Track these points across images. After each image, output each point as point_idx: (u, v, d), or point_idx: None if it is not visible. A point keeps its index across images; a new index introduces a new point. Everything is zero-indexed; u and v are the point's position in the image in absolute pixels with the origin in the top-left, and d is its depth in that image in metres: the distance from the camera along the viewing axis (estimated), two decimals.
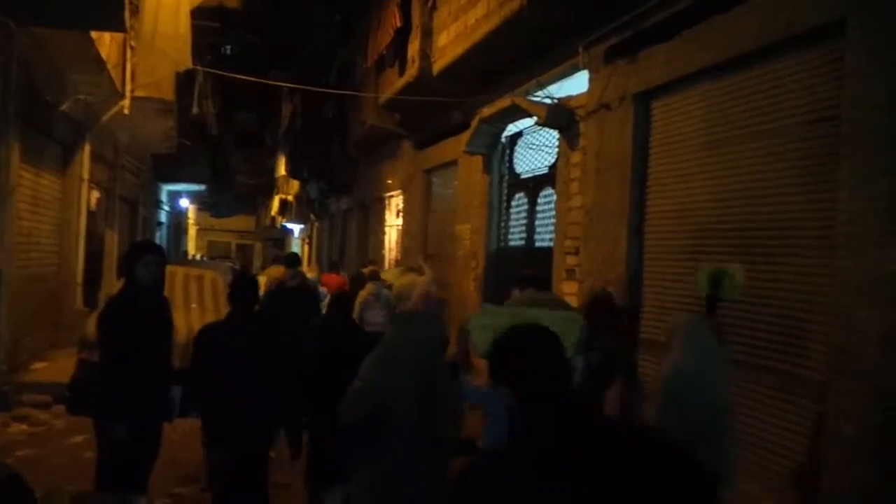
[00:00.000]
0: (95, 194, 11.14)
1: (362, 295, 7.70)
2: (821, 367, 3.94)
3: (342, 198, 19.40)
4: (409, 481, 2.67)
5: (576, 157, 6.79)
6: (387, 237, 14.75)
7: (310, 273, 11.30)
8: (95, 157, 10.36)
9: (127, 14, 6.83)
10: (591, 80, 6.49)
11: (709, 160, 5.08)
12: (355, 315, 6.97)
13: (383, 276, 8.99)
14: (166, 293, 3.88)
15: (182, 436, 5.42)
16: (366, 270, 9.35)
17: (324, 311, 6.40)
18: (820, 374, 3.94)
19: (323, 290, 9.15)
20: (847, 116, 3.79)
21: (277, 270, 9.02)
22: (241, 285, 3.76)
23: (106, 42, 7.95)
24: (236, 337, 3.49)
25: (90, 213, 10.49)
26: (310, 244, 26.93)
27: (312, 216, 24.62)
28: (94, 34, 7.22)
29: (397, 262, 12.63)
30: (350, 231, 18.65)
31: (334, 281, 9.93)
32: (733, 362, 3.77)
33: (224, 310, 7.81)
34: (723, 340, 3.59)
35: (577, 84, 6.84)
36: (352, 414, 2.80)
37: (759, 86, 4.62)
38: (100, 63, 7.90)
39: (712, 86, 5.07)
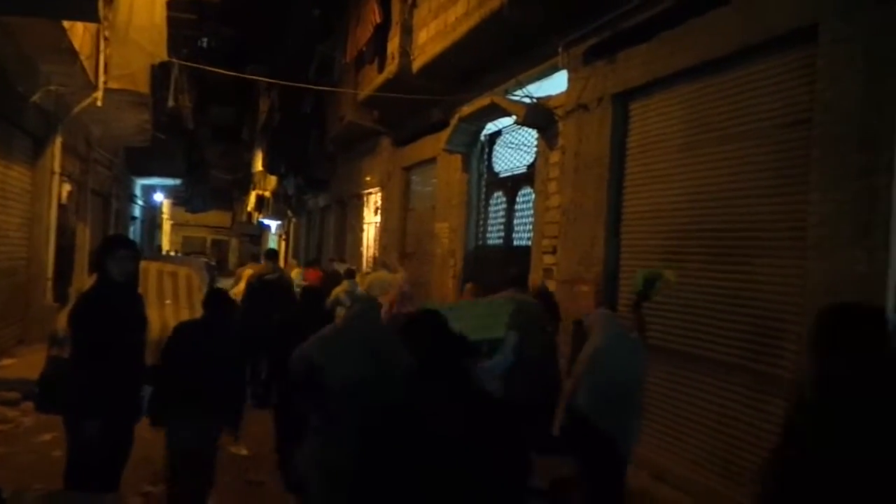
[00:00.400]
0: (67, 187, 10.92)
1: (336, 292, 7.98)
2: (794, 366, 4.01)
3: (320, 194, 19.28)
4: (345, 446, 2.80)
5: (554, 157, 6.82)
6: (365, 234, 14.69)
7: (295, 269, 11.61)
8: (67, 149, 10.15)
9: (101, 4, 6.69)
10: (570, 80, 6.52)
11: (685, 162, 5.14)
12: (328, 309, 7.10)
13: (359, 277, 9.29)
14: (140, 289, 3.81)
15: (154, 433, 5.34)
16: (341, 269, 9.82)
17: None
18: (793, 372, 4.01)
19: (305, 283, 9.31)
20: (818, 120, 3.87)
21: (255, 267, 9.48)
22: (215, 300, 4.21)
23: (79, 32, 7.78)
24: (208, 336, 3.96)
25: (61, 207, 10.28)
26: (286, 240, 26.71)
27: (289, 212, 24.42)
28: (66, 24, 7.06)
29: (375, 260, 12.61)
30: (328, 228, 18.54)
31: (313, 276, 10.50)
32: (650, 348, 4.34)
33: (199, 306, 7.78)
34: (643, 331, 4.18)
35: (556, 84, 6.87)
36: (294, 368, 3.35)
37: (734, 88, 4.69)
38: (72, 54, 7.74)
39: (689, 88, 5.13)
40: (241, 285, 8.57)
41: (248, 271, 9.32)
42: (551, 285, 6.59)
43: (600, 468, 3.77)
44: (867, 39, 3.60)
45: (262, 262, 9.52)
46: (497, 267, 6.99)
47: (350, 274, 8.86)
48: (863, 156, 3.56)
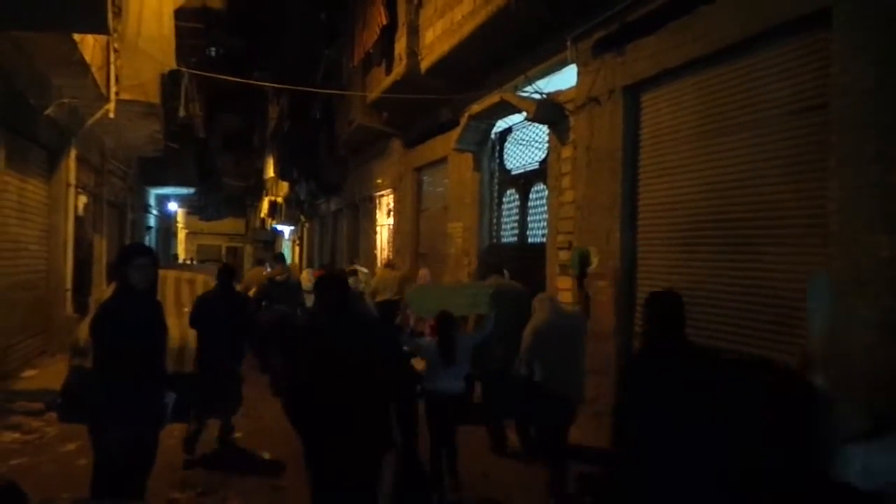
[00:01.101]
0: (82, 199, 11.03)
1: None
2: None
3: (332, 198, 19.34)
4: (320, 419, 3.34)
5: (566, 152, 6.79)
6: (378, 236, 14.71)
7: (304, 272, 12.84)
8: (81, 161, 10.25)
9: (110, 16, 6.74)
10: (579, 75, 6.49)
11: (699, 152, 5.10)
12: None
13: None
14: (157, 297, 3.83)
15: (177, 441, 5.38)
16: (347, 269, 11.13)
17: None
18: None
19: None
20: (835, 105, 3.82)
21: (258, 271, 10.56)
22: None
23: (89, 45, 7.86)
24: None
25: (78, 219, 10.38)
26: (300, 245, 26.83)
27: (302, 217, 24.52)
28: (76, 37, 7.13)
29: (388, 262, 12.72)
30: (341, 231, 18.59)
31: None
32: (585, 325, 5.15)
33: None
34: (586, 308, 5.34)
35: (565, 79, 6.84)
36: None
37: (746, 76, 4.64)
38: (83, 66, 7.81)
39: (700, 77, 5.08)
40: (252, 288, 9.49)
41: (252, 274, 10.63)
42: (567, 282, 6.56)
43: (550, 421, 4.75)
44: (882, 21, 3.54)
45: (266, 265, 10.77)
46: (512, 265, 6.97)
47: (352, 273, 10.38)
48: (881, 139, 3.51)
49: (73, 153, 9.66)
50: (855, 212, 3.66)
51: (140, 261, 3.45)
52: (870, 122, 3.58)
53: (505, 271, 6.43)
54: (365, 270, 11.80)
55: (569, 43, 6.44)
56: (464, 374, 4.85)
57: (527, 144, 8.12)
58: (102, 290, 10.26)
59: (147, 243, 18.71)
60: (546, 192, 7.37)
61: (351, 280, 9.12)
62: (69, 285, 9.62)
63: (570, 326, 4.93)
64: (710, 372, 2.89)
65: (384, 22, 10.51)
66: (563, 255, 6.74)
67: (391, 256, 12.78)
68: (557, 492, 4.61)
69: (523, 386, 4.77)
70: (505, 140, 8.70)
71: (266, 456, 5.70)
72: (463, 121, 8.57)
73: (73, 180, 9.68)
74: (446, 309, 4.95)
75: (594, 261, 5.79)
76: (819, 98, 4.00)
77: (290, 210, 25.47)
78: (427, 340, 5.14)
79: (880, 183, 3.51)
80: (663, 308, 2.98)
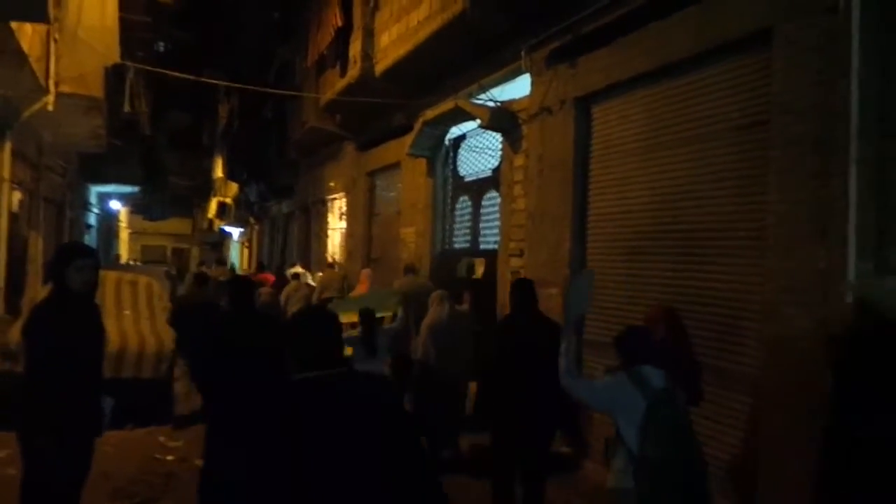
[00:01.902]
0: (17, 195, 10.52)
1: (287, 290, 10.46)
2: (755, 362, 4.10)
3: (283, 200, 19.03)
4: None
5: (519, 160, 6.86)
6: (330, 240, 14.54)
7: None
8: (17, 155, 9.78)
9: (50, 4, 6.47)
10: (533, 84, 6.57)
11: (647, 164, 5.22)
12: (282, 305, 10.04)
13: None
14: (97, 299, 3.68)
15: (116, 448, 5.17)
16: (290, 271, 12.33)
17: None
18: (754, 369, 4.10)
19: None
20: (775, 122, 3.97)
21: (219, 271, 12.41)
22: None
23: (27, 34, 7.50)
24: None
25: (12, 215, 9.90)
26: (250, 247, 26.28)
27: (252, 219, 24.05)
28: (13, 25, 6.81)
29: (329, 263, 13.04)
30: (292, 234, 18.31)
31: (266, 278, 12.65)
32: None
33: (160, 315, 7.59)
34: (473, 308, 6.45)
35: (519, 88, 6.91)
36: None
37: (693, 91, 4.79)
38: (21, 56, 7.45)
39: (649, 91, 5.22)
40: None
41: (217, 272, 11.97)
42: None
43: (443, 397, 5.80)
44: (820, 41, 3.70)
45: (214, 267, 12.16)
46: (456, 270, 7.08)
47: (296, 276, 11.45)
48: (819, 156, 3.66)
49: (7, 147, 9.21)
50: (792, 225, 3.80)
51: (80, 262, 3.30)
52: (807, 139, 3.74)
53: (420, 271, 7.98)
54: (303, 271, 12.77)
55: (523, 52, 6.51)
56: (383, 358, 5.86)
57: (480, 151, 8.17)
58: (37, 290, 9.81)
59: (87, 242, 18.01)
60: (499, 200, 7.43)
61: (296, 283, 10.80)
62: (1, 285, 9.16)
63: (460, 321, 5.96)
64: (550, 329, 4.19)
65: (339, 24, 10.43)
66: (515, 262, 6.80)
67: (333, 258, 13.50)
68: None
69: (421, 368, 5.84)
70: (458, 146, 8.73)
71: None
72: (417, 126, 8.57)
73: (7, 175, 9.23)
74: (365, 307, 6.07)
75: (478, 270, 7.45)
76: (761, 115, 4.16)
77: (239, 212, 24.95)
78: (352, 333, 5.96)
79: (816, 197, 3.66)
80: (523, 288, 4.47)
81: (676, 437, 2.86)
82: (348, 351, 5.61)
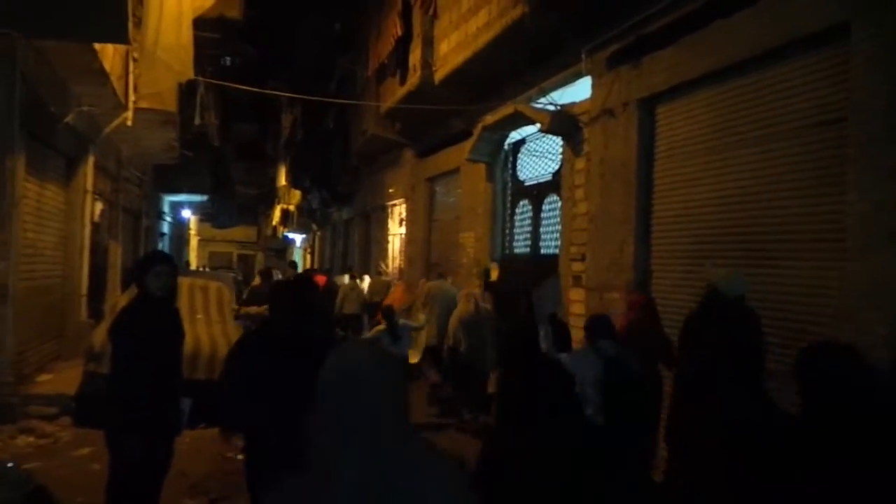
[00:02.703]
0: (99, 206, 11.14)
1: (343, 291, 11.99)
2: None
3: (344, 207, 19.41)
4: None
5: (580, 164, 6.79)
6: (390, 245, 14.74)
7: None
8: (99, 168, 10.37)
9: (130, 26, 6.84)
10: (593, 87, 6.50)
11: (714, 164, 5.09)
12: (338, 304, 11.66)
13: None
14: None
15: (190, 447, 5.40)
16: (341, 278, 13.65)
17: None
18: None
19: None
20: (854, 119, 3.80)
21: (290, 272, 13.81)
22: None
23: (109, 54, 7.97)
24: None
25: (94, 225, 10.48)
26: (312, 254, 26.91)
27: (314, 226, 24.62)
28: (97, 46, 7.24)
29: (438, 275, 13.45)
30: (352, 240, 18.65)
31: (318, 278, 13.67)
32: None
33: (230, 318, 7.90)
34: (493, 307, 7.44)
35: (579, 90, 6.85)
36: None
37: (762, 90, 4.64)
38: (103, 75, 7.92)
39: (716, 91, 5.08)
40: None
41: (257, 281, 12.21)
42: (580, 294, 6.56)
43: (472, 384, 7.11)
44: None
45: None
46: (524, 276, 7.04)
47: (352, 277, 12.81)
48: None
49: (90, 160, 9.77)
50: (872, 226, 3.63)
51: (159, 268, 3.48)
52: (887, 136, 3.56)
53: (448, 276, 9.21)
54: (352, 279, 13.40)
55: (583, 55, 6.46)
56: (406, 344, 7.44)
57: (540, 156, 8.13)
58: (117, 296, 10.34)
59: (161, 249, 18.87)
60: (559, 204, 7.38)
61: (347, 284, 12.28)
62: (84, 291, 9.70)
63: (484, 316, 7.27)
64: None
65: (399, 33, 10.59)
66: (577, 267, 6.73)
67: (383, 268, 14.32)
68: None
69: (451, 355, 7.26)
70: (518, 151, 8.72)
71: None
72: (476, 131, 8.60)
73: (90, 187, 9.79)
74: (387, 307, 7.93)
75: (493, 274, 8.28)
76: (837, 112, 3.99)
77: (301, 218, 25.58)
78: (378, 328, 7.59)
79: None
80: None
81: (625, 389, 3.81)
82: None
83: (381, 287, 12.06)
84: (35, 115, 7.38)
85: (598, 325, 4.30)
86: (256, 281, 12.11)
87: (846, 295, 3.78)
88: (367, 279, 13.06)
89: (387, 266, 14.34)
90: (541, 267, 7.65)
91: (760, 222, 4.61)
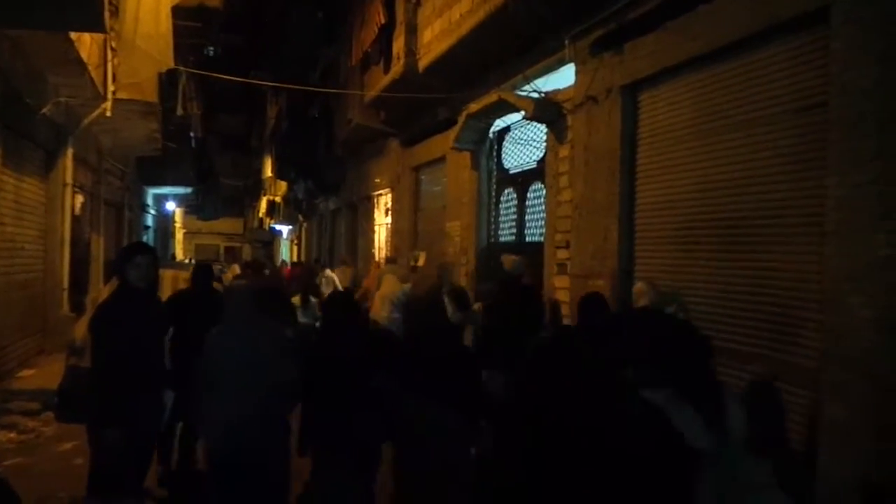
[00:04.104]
0: (79, 199, 11.00)
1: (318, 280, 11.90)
2: (813, 353, 3.95)
3: (330, 198, 19.31)
4: None
5: (564, 151, 6.78)
6: (376, 236, 14.69)
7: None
8: (78, 160, 10.22)
9: (107, 14, 6.72)
10: (577, 73, 6.48)
11: (697, 150, 5.09)
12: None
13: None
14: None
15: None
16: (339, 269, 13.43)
17: None
18: (813, 360, 3.95)
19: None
20: (835, 103, 3.81)
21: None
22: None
23: (86, 43, 7.84)
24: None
25: (75, 218, 10.36)
26: (299, 245, 26.79)
27: (300, 217, 24.48)
28: (73, 35, 7.11)
29: (388, 260, 13.06)
30: (339, 231, 18.57)
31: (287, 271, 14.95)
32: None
33: None
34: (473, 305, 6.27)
35: (563, 78, 6.83)
36: None
37: (744, 75, 4.64)
38: (80, 65, 7.79)
39: (699, 76, 5.08)
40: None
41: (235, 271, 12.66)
42: (565, 281, 6.57)
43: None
44: (881, 19, 3.54)
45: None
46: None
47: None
48: (881, 137, 3.50)
49: (69, 152, 9.63)
50: (853, 210, 3.65)
51: (139, 259, 3.44)
52: (869, 119, 3.58)
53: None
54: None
55: (567, 42, 6.43)
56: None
57: (525, 143, 8.11)
58: (99, 289, 10.24)
59: (142, 241, 18.64)
60: (544, 192, 7.37)
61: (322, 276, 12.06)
62: (66, 285, 9.59)
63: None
64: None
65: (382, 21, 10.49)
66: (561, 254, 6.73)
67: (345, 258, 14.60)
68: None
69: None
70: (503, 139, 8.69)
71: None
72: (461, 120, 8.56)
73: (69, 179, 9.66)
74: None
75: (420, 260, 9.26)
76: (819, 96, 4.00)
77: (288, 210, 25.44)
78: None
79: (878, 181, 3.50)
80: None
81: None
82: None
83: (346, 276, 12.49)
84: (11, 107, 7.25)
85: (590, 302, 4.32)
86: (235, 272, 12.12)
87: (829, 279, 3.80)
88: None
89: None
90: (525, 254, 7.66)
91: (744, 208, 4.62)
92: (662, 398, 2.20)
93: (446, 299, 5.55)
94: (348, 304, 3.76)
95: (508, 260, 6.15)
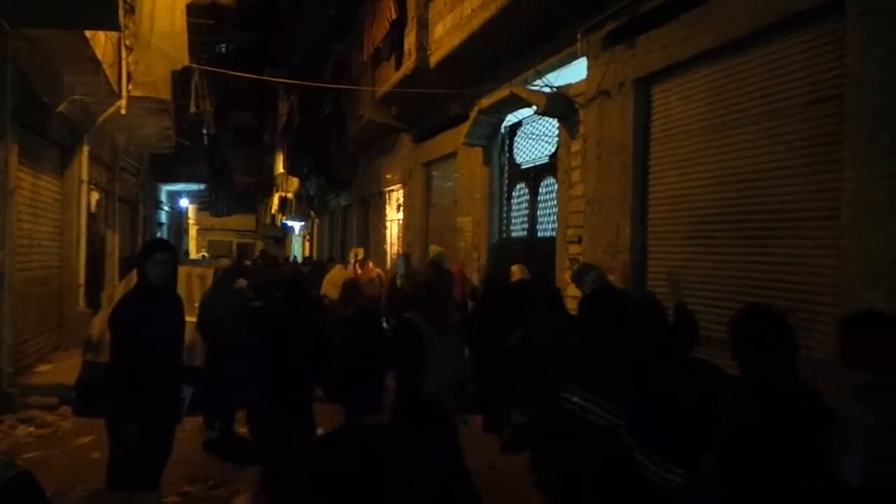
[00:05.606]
0: (95, 196, 11.10)
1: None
2: (829, 348, 3.92)
3: (342, 194, 19.36)
4: None
5: (576, 146, 6.76)
6: (388, 232, 14.72)
7: None
8: (94, 158, 10.31)
9: (121, 13, 6.78)
10: (589, 68, 6.45)
11: (711, 144, 5.06)
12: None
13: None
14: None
15: (188, 434, 5.42)
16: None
17: None
18: (827, 355, 3.92)
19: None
20: (850, 96, 3.77)
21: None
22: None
23: (101, 42, 7.90)
24: None
25: (90, 215, 10.45)
26: (310, 241, 26.89)
27: (312, 213, 24.56)
28: (88, 34, 7.17)
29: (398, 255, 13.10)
30: (351, 227, 18.62)
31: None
32: None
33: None
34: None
35: (575, 72, 6.80)
36: None
37: (758, 68, 4.60)
38: (95, 63, 7.86)
39: (712, 69, 5.04)
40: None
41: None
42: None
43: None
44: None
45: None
46: (521, 259, 7.01)
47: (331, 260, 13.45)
48: None
49: (85, 150, 9.72)
50: (869, 203, 3.61)
51: (158, 256, 3.46)
52: (885, 112, 3.53)
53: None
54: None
55: (579, 36, 6.40)
56: None
57: (537, 138, 8.09)
58: (115, 285, 10.33)
59: (161, 237, 18.83)
60: (556, 186, 7.35)
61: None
62: (82, 281, 9.69)
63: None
64: None
65: (394, 16, 10.49)
66: (574, 249, 6.71)
67: (402, 251, 13.71)
68: None
69: None
70: (515, 134, 8.67)
71: None
72: (472, 115, 8.55)
73: (85, 177, 9.74)
74: None
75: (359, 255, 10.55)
76: (834, 88, 3.96)
77: (300, 206, 25.52)
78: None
79: (895, 174, 3.46)
80: None
81: None
82: None
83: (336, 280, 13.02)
84: (27, 105, 7.33)
85: (584, 270, 4.79)
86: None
87: (844, 272, 3.77)
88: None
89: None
90: (538, 250, 7.65)
91: (758, 201, 4.59)
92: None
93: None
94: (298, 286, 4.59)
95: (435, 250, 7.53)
